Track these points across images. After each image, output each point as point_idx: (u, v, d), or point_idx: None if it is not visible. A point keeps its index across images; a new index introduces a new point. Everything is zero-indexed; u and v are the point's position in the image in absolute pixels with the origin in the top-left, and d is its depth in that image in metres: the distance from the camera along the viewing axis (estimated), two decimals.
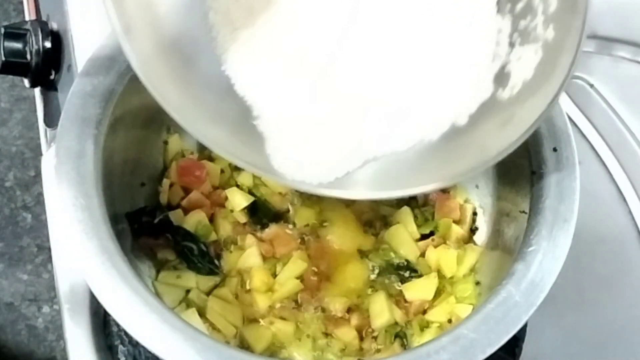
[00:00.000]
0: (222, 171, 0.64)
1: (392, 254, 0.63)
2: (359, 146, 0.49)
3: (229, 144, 0.50)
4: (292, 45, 0.48)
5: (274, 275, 0.61)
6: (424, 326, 0.59)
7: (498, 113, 0.47)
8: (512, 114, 0.47)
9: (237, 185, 0.65)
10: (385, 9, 0.47)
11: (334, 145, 0.49)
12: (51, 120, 0.72)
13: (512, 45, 0.46)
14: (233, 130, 0.50)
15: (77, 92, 0.53)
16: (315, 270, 0.61)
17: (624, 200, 0.73)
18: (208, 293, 0.59)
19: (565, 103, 0.74)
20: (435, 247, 0.62)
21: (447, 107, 0.48)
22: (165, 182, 0.63)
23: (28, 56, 0.69)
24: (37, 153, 1.13)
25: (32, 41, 0.68)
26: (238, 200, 0.63)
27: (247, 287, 0.60)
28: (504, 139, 0.47)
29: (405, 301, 0.60)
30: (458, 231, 0.63)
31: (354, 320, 0.59)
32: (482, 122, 0.48)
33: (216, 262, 0.61)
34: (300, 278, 0.61)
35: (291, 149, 0.49)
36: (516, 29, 0.45)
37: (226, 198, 0.63)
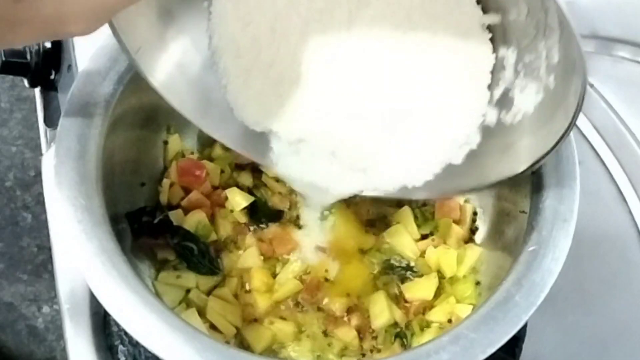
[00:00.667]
0: (222, 171, 0.64)
1: (392, 254, 0.63)
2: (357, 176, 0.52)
3: (239, 142, 0.53)
4: (292, 82, 0.50)
5: (274, 275, 0.61)
6: (424, 326, 0.59)
7: (500, 136, 0.49)
8: (513, 142, 0.48)
9: (237, 185, 0.65)
10: (380, 47, 0.49)
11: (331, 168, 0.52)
12: (51, 120, 0.72)
13: (517, 73, 0.47)
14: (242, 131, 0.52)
15: (77, 92, 0.53)
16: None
17: (624, 200, 0.73)
18: (208, 293, 0.59)
19: None
20: (435, 247, 0.62)
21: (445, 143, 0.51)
22: (165, 182, 0.63)
23: (28, 56, 0.69)
24: (37, 153, 1.13)
25: None
26: (238, 200, 0.63)
27: (247, 287, 0.60)
28: (502, 169, 0.49)
29: (405, 301, 0.60)
30: (458, 231, 0.63)
31: (354, 320, 0.59)
32: (485, 143, 0.49)
33: (216, 262, 0.61)
34: (300, 278, 0.61)
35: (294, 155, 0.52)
36: (522, 61, 0.46)
37: (226, 198, 0.63)
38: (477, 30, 0.47)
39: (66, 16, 0.37)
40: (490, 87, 0.48)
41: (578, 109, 0.42)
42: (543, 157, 0.46)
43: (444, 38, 0.47)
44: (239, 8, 0.49)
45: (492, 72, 0.48)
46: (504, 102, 0.48)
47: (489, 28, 0.47)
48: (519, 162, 0.48)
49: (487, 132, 0.49)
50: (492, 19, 0.46)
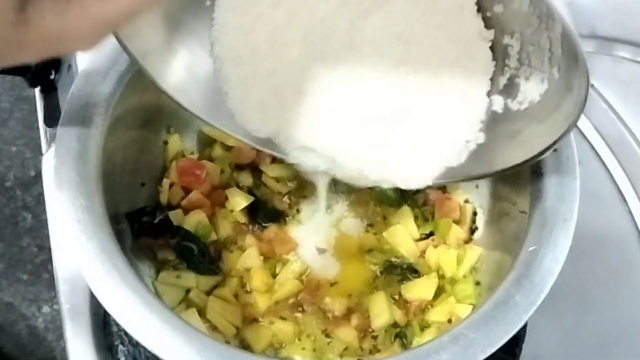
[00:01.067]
0: (222, 171, 0.64)
1: (393, 254, 0.63)
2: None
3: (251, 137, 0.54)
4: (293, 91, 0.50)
5: (274, 275, 0.61)
6: (424, 326, 0.59)
7: (507, 123, 0.49)
8: (520, 129, 0.48)
9: (237, 185, 0.65)
10: (381, 56, 0.49)
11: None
12: (51, 120, 0.72)
13: (521, 62, 0.47)
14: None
15: (77, 92, 0.53)
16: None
17: (624, 200, 0.73)
18: (208, 293, 0.59)
19: None
20: (435, 247, 0.62)
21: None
22: (165, 182, 0.63)
23: None
24: (37, 153, 1.13)
25: None
26: (238, 200, 0.63)
27: (247, 287, 0.60)
28: (510, 156, 0.49)
29: (406, 301, 0.60)
30: (458, 231, 0.63)
31: (354, 320, 0.59)
32: (493, 130, 0.50)
33: (216, 262, 0.61)
34: (300, 278, 0.61)
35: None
36: (525, 50, 0.46)
37: (226, 198, 0.63)
38: (477, 38, 0.47)
39: (67, 34, 0.36)
40: (495, 73, 0.49)
41: (583, 102, 0.42)
42: (551, 145, 0.46)
43: (444, 47, 0.47)
44: (239, 17, 0.49)
45: (497, 59, 0.48)
46: (510, 89, 0.48)
47: (493, 18, 0.47)
48: (525, 150, 0.48)
49: (494, 119, 0.49)
50: (495, 10, 0.46)
